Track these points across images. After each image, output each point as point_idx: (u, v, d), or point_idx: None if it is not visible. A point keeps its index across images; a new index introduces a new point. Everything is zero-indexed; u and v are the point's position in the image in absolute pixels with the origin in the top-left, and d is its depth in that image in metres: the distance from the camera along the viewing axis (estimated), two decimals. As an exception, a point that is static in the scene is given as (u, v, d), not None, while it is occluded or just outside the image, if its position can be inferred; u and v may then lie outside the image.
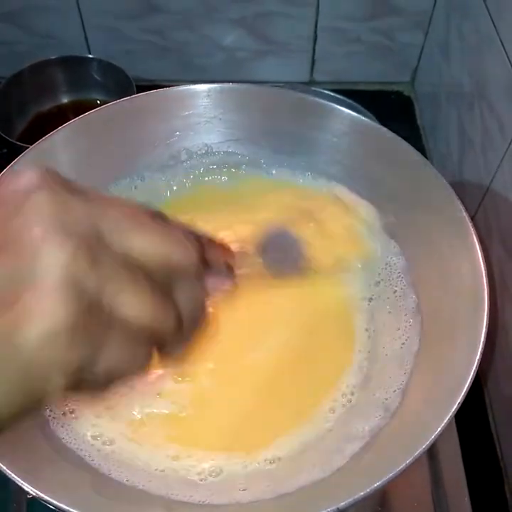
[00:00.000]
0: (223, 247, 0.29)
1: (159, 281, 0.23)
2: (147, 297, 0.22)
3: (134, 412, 0.43)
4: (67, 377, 0.21)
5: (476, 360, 0.38)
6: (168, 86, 0.54)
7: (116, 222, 0.22)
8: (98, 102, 0.78)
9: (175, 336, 0.24)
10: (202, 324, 0.25)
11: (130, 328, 0.22)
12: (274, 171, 0.55)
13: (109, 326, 0.21)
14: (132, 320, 0.22)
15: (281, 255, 0.43)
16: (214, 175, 0.56)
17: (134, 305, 0.22)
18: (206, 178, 0.56)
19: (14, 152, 0.51)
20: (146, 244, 0.22)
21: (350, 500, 0.34)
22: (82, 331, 0.20)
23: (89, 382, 0.22)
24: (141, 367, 0.23)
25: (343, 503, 0.34)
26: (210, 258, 0.27)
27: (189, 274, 0.24)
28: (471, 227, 0.44)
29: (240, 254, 0.35)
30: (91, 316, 0.21)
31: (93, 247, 0.21)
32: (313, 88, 0.78)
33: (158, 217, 0.24)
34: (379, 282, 0.49)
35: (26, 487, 0.34)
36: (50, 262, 0.20)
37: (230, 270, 0.29)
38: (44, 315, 0.20)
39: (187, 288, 0.24)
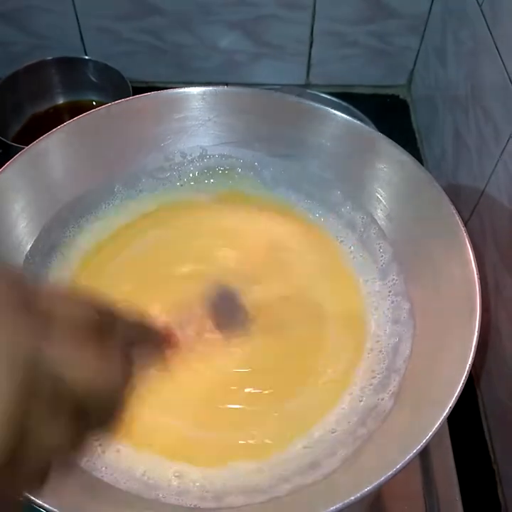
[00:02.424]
0: (162, 336, 0.32)
1: (83, 402, 0.25)
2: (63, 423, 0.24)
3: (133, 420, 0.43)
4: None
5: (468, 364, 0.38)
6: (164, 88, 0.54)
7: (55, 349, 0.24)
8: (94, 103, 0.78)
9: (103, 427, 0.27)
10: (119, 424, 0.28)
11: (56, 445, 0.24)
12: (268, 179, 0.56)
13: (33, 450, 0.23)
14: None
15: (229, 314, 0.44)
16: (207, 178, 0.56)
17: (54, 435, 0.24)
18: (195, 183, 0.56)
19: (9, 153, 0.52)
20: (77, 380, 0.24)
21: (341, 503, 0.34)
22: (12, 463, 0.22)
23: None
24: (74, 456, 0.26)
25: (334, 507, 0.34)
26: (143, 352, 0.30)
27: (112, 394, 0.26)
28: (463, 232, 0.44)
29: (188, 317, 0.40)
30: (21, 445, 0.22)
31: (33, 376, 0.23)
32: (309, 91, 0.78)
33: (100, 328, 0.26)
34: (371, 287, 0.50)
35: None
36: None
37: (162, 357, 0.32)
38: None
39: (108, 403, 0.26)
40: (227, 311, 0.45)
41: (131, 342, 0.28)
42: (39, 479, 0.25)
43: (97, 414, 0.26)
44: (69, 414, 0.24)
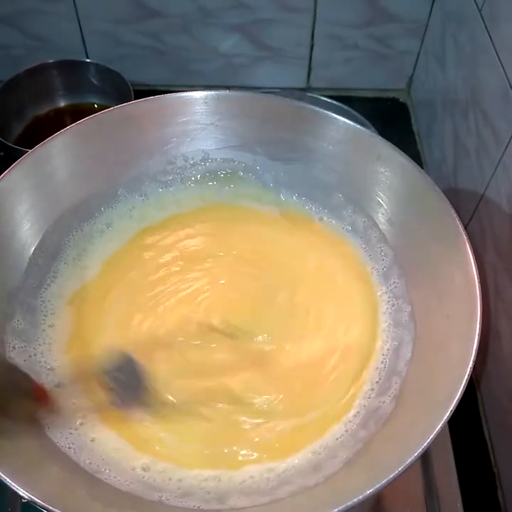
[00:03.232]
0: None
1: None
2: None
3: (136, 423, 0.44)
4: None
5: (469, 367, 0.38)
6: (166, 91, 0.54)
7: None
8: (95, 106, 0.78)
9: None
10: None
11: None
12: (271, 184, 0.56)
13: None
14: None
15: (128, 385, 0.43)
16: (209, 181, 0.56)
17: None
18: (197, 186, 0.56)
19: (11, 156, 0.52)
20: None
21: (343, 506, 0.34)
22: None
23: None
24: None
25: (336, 510, 0.34)
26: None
27: None
28: (464, 235, 0.44)
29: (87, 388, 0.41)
30: None
31: None
32: (309, 94, 0.78)
33: None
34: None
35: (21, 491, 0.34)
36: None
37: None
38: None
39: None
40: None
41: None
42: None
43: None
44: None
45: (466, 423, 0.58)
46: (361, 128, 0.52)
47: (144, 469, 0.41)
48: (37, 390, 0.40)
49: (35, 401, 0.39)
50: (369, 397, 0.44)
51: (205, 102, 0.53)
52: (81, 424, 0.43)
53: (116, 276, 0.51)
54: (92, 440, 0.42)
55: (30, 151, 0.48)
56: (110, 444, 0.42)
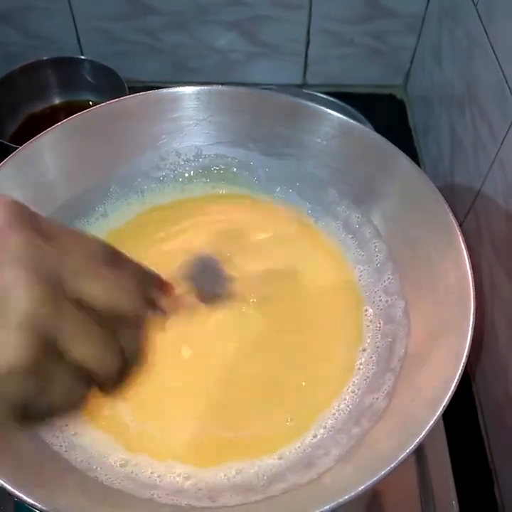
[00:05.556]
0: (165, 285, 0.32)
1: (107, 325, 0.25)
2: (97, 343, 0.25)
3: (125, 420, 0.43)
4: (12, 410, 0.23)
5: (462, 362, 0.38)
6: (161, 87, 0.54)
7: (75, 268, 0.25)
8: (90, 103, 0.78)
9: (116, 376, 0.26)
10: (140, 365, 0.28)
11: (78, 369, 0.24)
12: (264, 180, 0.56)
13: (59, 366, 0.24)
14: (82, 363, 0.24)
15: (211, 282, 0.44)
16: (202, 178, 0.56)
17: (85, 350, 0.24)
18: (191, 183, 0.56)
19: (6, 153, 0.51)
20: (97, 293, 0.25)
21: (335, 503, 0.34)
22: (34, 371, 0.23)
23: (31, 414, 0.24)
24: (81, 403, 0.26)
25: (329, 506, 0.34)
26: (152, 296, 0.30)
27: (131, 320, 0.27)
28: (458, 231, 0.44)
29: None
30: (45, 357, 0.23)
31: (56, 292, 0.23)
32: (305, 90, 0.78)
33: (112, 260, 0.27)
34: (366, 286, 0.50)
35: (10, 490, 0.34)
36: (19, 304, 0.22)
37: (168, 304, 0.32)
38: (4, 353, 0.22)
39: (129, 333, 0.27)
40: (210, 281, 0.44)
41: (143, 282, 0.28)
42: (49, 412, 0.24)
43: (123, 341, 0.26)
44: (97, 340, 0.24)
45: (463, 420, 0.58)
46: (355, 123, 0.52)
47: (133, 466, 0.41)
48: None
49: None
50: (362, 394, 0.44)
51: (198, 98, 0.53)
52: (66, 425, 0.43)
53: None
54: (74, 434, 0.42)
55: (19, 147, 0.48)
56: (98, 442, 0.42)
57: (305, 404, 0.45)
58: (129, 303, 0.26)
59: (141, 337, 0.28)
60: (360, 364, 0.46)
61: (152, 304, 0.29)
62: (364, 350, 0.47)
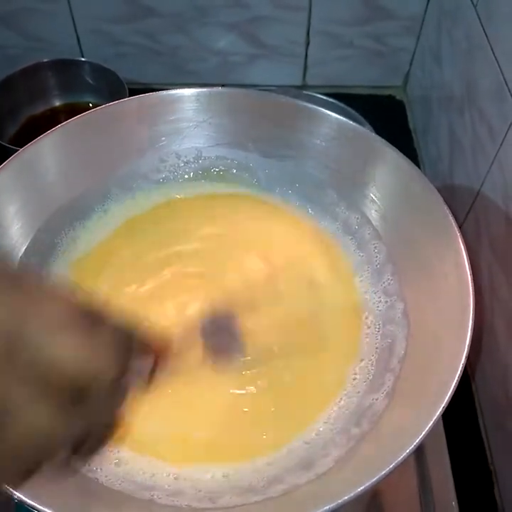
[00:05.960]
0: (153, 349, 0.29)
1: (72, 390, 0.23)
2: (49, 414, 0.22)
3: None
4: None
5: (462, 363, 0.38)
6: (161, 89, 0.54)
7: (40, 328, 0.22)
8: (90, 105, 0.78)
9: (75, 450, 0.24)
10: (112, 432, 0.25)
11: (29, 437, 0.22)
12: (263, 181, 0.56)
13: (9, 429, 0.21)
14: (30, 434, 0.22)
15: (223, 341, 0.42)
16: (202, 179, 0.56)
17: (34, 422, 0.22)
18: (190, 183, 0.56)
19: (6, 155, 0.51)
20: (64, 356, 0.22)
21: (335, 503, 0.34)
22: None
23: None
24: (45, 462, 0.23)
25: (329, 506, 0.34)
26: (136, 361, 0.26)
27: (108, 387, 0.24)
28: (457, 232, 0.44)
29: (182, 335, 0.37)
30: None
31: (11, 352, 0.21)
32: (305, 92, 0.78)
33: (89, 320, 0.24)
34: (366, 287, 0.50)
35: (11, 491, 0.34)
36: None
37: (153, 369, 0.29)
38: None
39: (101, 402, 0.24)
40: (223, 339, 0.42)
41: (126, 345, 0.25)
42: (21, 474, 0.23)
43: (93, 408, 0.23)
44: (61, 403, 0.22)
45: (462, 421, 0.58)
46: (355, 125, 0.52)
47: (131, 468, 0.41)
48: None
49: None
50: (361, 395, 0.44)
51: (198, 99, 0.53)
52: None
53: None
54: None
55: (20, 150, 0.48)
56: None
57: (305, 405, 0.45)
58: (103, 368, 0.23)
59: (117, 404, 0.25)
60: (360, 364, 0.46)
61: (138, 368, 0.26)
62: (364, 350, 0.47)
